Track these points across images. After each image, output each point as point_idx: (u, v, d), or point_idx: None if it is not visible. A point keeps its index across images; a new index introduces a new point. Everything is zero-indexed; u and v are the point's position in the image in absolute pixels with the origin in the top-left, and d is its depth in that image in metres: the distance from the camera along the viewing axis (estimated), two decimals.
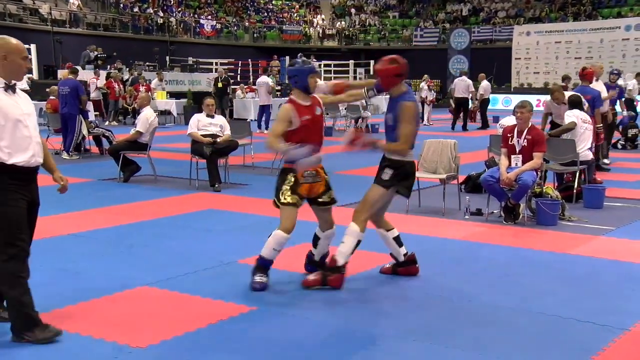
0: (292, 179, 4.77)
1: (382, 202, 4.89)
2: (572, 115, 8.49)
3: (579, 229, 6.78)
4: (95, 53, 23.96)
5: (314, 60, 32.28)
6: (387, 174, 4.82)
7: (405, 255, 5.12)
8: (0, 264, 3.72)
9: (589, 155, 8.42)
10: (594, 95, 9.85)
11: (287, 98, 5.13)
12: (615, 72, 12.68)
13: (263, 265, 4.80)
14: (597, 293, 4.79)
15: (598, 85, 10.61)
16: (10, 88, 3.84)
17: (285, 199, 4.76)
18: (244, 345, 3.80)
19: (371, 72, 32.85)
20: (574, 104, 8.73)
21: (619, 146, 13.94)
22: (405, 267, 5.14)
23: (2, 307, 4.03)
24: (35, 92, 17.57)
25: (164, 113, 21.32)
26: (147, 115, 9.80)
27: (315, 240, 5.09)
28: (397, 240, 5.10)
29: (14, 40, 3.91)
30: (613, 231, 6.69)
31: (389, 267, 5.23)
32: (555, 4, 37.89)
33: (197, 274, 5.17)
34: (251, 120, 18.78)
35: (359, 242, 4.82)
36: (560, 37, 34.26)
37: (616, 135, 13.70)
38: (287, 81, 28.62)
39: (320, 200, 4.93)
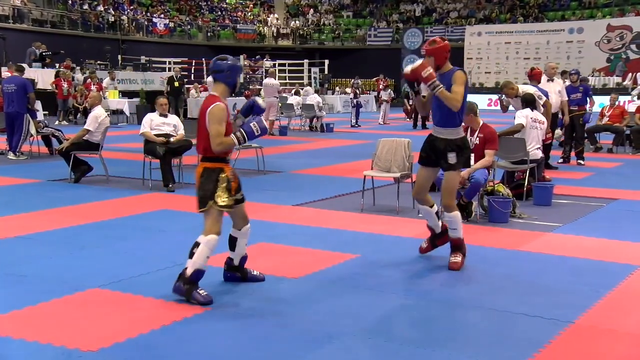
0: (225, 179, 4.57)
1: (455, 183, 5.44)
2: (521, 116, 8.67)
3: (529, 226, 6.94)
4: (41, 50, 23.41)
5: (269, 59, 32.28)
6: (452, 157, 5.27)
7: (441, 227, 5.62)
8: None
9: (539, 154, 8.62)
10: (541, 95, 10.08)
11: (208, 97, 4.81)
12: (574, 72, 12.57)
13: (198, 278, 4.48)
14: (546, 288, 4.91)
15: (552, 85, 10.79)
16: None
17: (223, 201, 4.54)
18: (198, 347, 3.77)
19: (326, 72, 32.97)
20: (527, 102, 8.90)
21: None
22: (442, 239, 5.64)
23: None
24: None
25: (116, 112, 20.97)
26: (97, 114, 9.62)
27: (232, 242, 4.90)
28: (437, 214, 5.63)
29: None
30: (561, 227, 6.87)
31: (427, 246, 5.71)
32: (504, 6, 38.69)
33: (150, 275, 5.11)
34: None
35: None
36: (510, 38, 35.10)
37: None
38: (241, 80, 28.51)
39: (240, 198, 4.75)
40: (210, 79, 19.30)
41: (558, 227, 6.89)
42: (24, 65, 16.57)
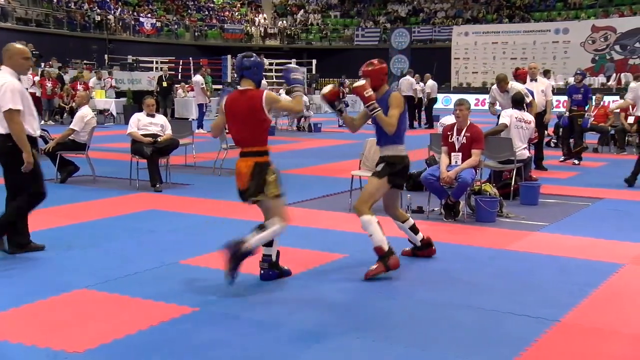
0: (275, 171, 4.81)
1: (380, 193, 5.22)
2: (505, 116, 8.73)
3: (516, 225, 6.97)
4: (31, 50, 23.24)
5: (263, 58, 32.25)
6: (380, 166, 5.24)
7: (422, 240, 5.57)
8: None
9: (526, 154, 8.67)
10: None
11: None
12: (579, 72, 12.56)
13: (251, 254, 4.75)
14: (533, 287, 4.94)
15: (536, 85, 10.86)
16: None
17: (279, 190, 4.81)
18: (186, 347, 3.75)
19: (313, 72, 32.98)
20: (516, 102, 8.95)
21: (552, 144, 14.34)
22: (423, 251, 5.63)
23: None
24: None
25: (103, 112, 20.86)
26: (84, 114, 9.56)
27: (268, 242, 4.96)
28: (413, 228, 5.54)
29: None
30: (547, 227, 6.91)
31: (409, 250, 5.70)
32: (491, 6, 38.86)
33: (137, 275, 5.08)
34: (193, 119, 18.57)
35: (379, 223, 5.10)
36: (497, 38, 35.27)
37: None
38: (228, 80, 28.42)
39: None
40: (197, 78, 19.28)
41: (545, 226, 6.93)
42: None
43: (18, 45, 5.61)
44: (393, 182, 5.22)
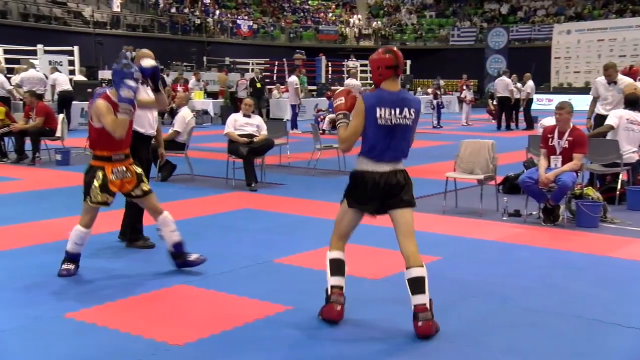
0: (101, 176, 4.94)
1: (344, 219, 4.34)
2: (614, 117, 8.27)
3: (621, 232, 6.64)
4: (133, 54, 24.32)
5: (353, 59, 32.33)
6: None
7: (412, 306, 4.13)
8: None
9: (635, 157, 8.18)
10: None
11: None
12: None
13: (69, 258, 5.09)
14: (639, 297, 4.68)
15: None
16: None
17: (95, 197, 4.94)
18: (280, 344, 3.82)
19: (407, 72, 32.73)
20: (630, 103, 8.45)
21: None
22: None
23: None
24: (78, 92, 17.90)
25: (201, 113, 21.53)
26: (184, 115, 9.93)
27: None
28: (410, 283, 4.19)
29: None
30: None
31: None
32: (598, 1, 37.12)
33: (233, 272, 5.21)
34: (287, 120, 18.84)
35: (333, 261, 4.26)
36: (604, 35, 33.46)
37: None
38: (322, 81, 28.68)
39: (133, 194, 5.14)
40: (291, 79, 19.57)
41: None
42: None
43: (144, 51, 6.02)
44: (349, 204, 4.32)
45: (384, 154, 4.17)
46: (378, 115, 4.08)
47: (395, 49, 4.28)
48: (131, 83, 4.80)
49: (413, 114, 4.20)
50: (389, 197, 4.24)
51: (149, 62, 5.27)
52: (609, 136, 8.25)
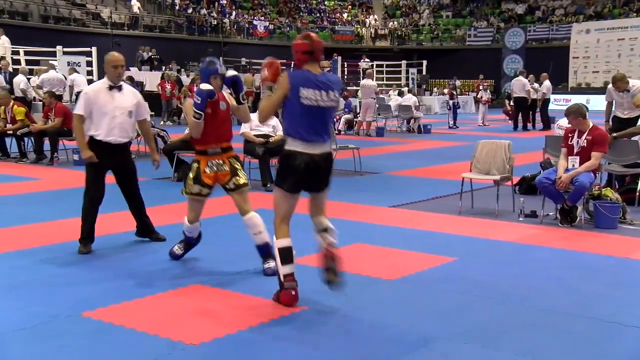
0: (196, 168, 5.23)
1: (283, 205, 4.41)
2: None
3: None
4: (150, 54, 24.51)
5: (366, 60, 32.30)
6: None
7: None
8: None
9: None
10: None
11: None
12: None
13: (184, 240, 5.56)
14: None
15: None
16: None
17: (189, 188, 5.27)
18: (295, 345, 3.82)
19: (424, 72, 32.64)
20: None
21: None
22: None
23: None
24: None
25: None
26: None
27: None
28: (326, 231, 4.55)
29: (111, 54, 5.84)
30: None
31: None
32: (618, 0, 36.71)
33: (248, 272, 5.23)
34: None
35: (281, 250, 4.36)
36: (624, 34, 33.06)
37: None
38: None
39: (227, 187, 5.29)
40: None
41: None
42: (134, 69, 17.46)
43: (109, 56, 5.89)
44: (288, 189, 4.33)
45: (312, 134, 4.26)
46: (301, 94, 4.21)
47: (313, 35, 4.45)
48: (202, 89, 4.99)
49: (337, 95, 4.40)
50: (318, 180, 4.42)
51: (230, 71, 5.26)
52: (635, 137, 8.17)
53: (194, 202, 5.34)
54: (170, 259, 5.54)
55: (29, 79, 17.44)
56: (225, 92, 5.31)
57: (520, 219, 7.18)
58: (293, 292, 4.37)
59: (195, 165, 5.29)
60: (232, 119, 5.42)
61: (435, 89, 32.38)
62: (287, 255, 4.36)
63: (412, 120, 19.72)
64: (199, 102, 4.97)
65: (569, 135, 7.03)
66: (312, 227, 4.55)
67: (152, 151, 6.27)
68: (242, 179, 5.30)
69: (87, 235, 5.77)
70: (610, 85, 9.49)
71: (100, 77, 22.80)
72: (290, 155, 4.29)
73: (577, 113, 6.92)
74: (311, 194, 4.49)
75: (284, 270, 4.36)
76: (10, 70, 18.55)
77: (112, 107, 5.74)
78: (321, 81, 4.27)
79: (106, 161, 5.78)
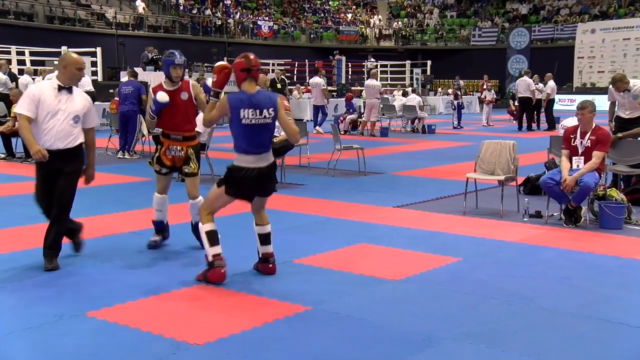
0: (159, 149, 5.81)
1: (219, 202, 4.99)
2: None
3: None
4: (154, 54, 24.53)
5: (372, 60, 32.29)
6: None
7: (262, 254, 5.18)
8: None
9: None
10: None
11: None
12: None
13: (155, 229, 5.89)
14: None
15: None
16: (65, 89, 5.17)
17: (152, 165, 5.84)
18: (299, 345, 3.82)
19: (428, 72, 32.62)
20: None
21: None
22: (261, 264, 5.21)
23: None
24: (100, 93, 18.08)
25: None
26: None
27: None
28: (262, 237, 5.13)
29: (74, 55, 5.38)
30: None
31: (255, 264, 5.31)
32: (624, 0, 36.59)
33: (252, 272, 5.23)
34: (307, 120, 18.88)
35: (209, 233, 4.89)
36: (630, 34, 32.97)
37: None
38: (342, 81, 28.69)
39: (182, 171, 5.83)
40: (317, 80, 19.69)
41: None
42: (138, 69, 17.51)
43: (74, 56, 5.40)
44: (228, 192, 4.92)
45: (254, 149, 4.82)
46: (242, 115, 4.77)
47: (251, 55, 4.90)
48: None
49: (272, 112, 4.84)
50: (261, 189, 4.98)
51: (209, 80, 5.51)
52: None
53: (158, 176, 5.85)
54: (148, 248, 5.84)
55: (34, 79, 17.47)
56: (191, 81, 5.91)
57: (525, 219, 7.16)
58: (222, 270, 4.82)
59: (159, 146, 5.83)
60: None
61: (439, 89, 32.33)
62: (214, 237, 4.88)
63: (416, 121, 19.70)
64: (153, 108, 5.67)
65: (571, 136, 7.00)
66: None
67: (89, 164, 5.49)
68: (192, 168, 5.81)
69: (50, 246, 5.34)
70: (611, 86, 9.48)
71: (104, 77, 22.97)
72: (242, 169, 4.85)
73: (592, 107, 6.94)
74: (258, 197, 5.06)
75: (213, 250, 4.84)
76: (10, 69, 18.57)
77: (56, 110, 5.14)
78: (256, 100, 4.80)
79: (49, 167, 5.19)
